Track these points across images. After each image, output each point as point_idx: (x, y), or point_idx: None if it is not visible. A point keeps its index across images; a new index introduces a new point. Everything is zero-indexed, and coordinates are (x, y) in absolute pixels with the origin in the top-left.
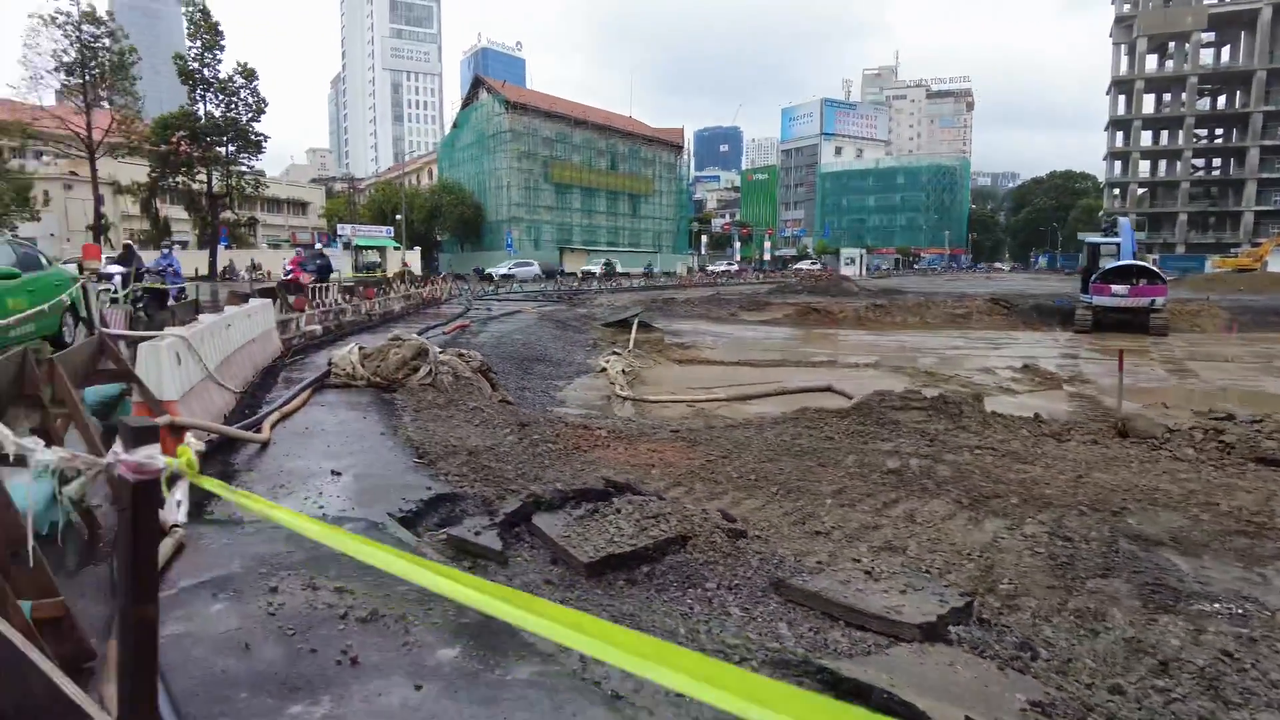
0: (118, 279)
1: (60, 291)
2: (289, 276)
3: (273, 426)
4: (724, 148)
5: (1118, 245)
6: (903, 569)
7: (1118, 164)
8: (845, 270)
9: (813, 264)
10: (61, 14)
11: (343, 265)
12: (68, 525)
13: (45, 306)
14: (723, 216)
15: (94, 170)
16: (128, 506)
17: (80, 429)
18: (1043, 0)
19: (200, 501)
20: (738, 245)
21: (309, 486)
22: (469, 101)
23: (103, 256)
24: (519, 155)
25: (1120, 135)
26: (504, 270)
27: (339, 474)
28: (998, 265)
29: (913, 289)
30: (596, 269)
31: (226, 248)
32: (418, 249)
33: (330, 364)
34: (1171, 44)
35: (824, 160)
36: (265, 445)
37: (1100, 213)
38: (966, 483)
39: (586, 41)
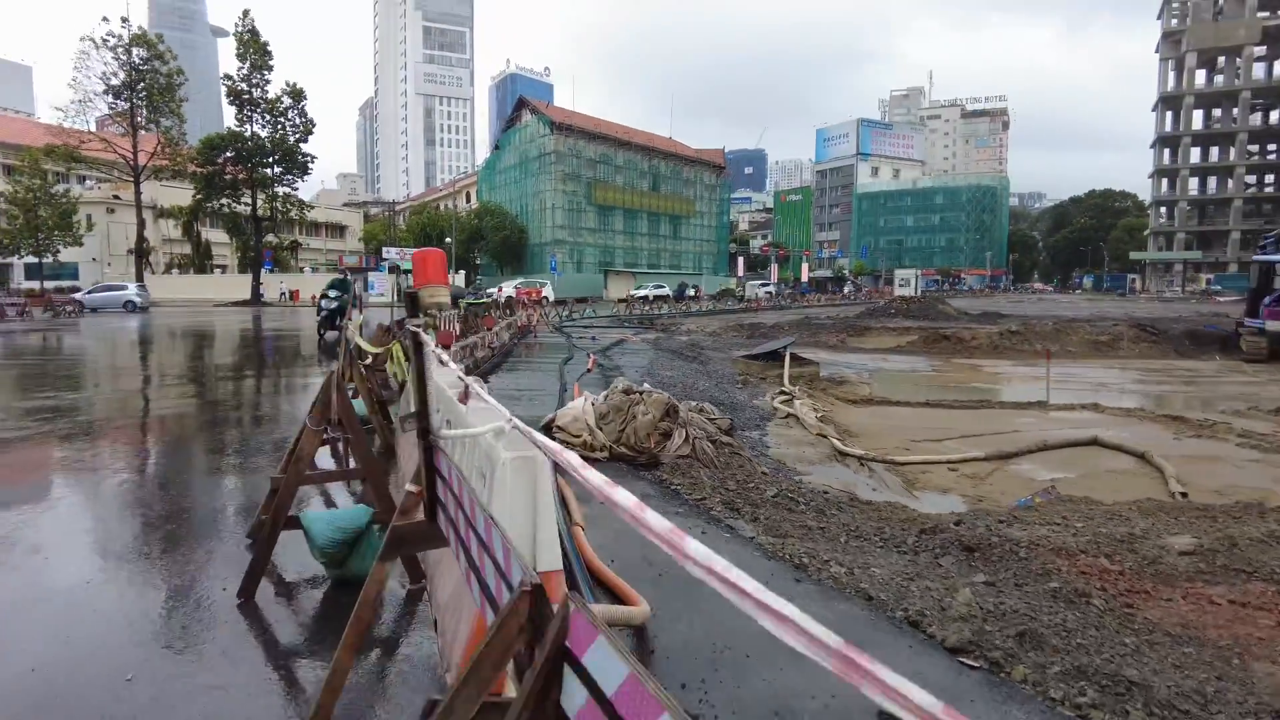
0: None
1: None
2: None
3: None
4: (749, 170)
5: None
6: None
7: (1164, 181)
8: (900, 292)
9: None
10: (113, 36)
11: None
12: None
13: None
14: (754, 238)
15: (138, 193)
16: None
17: None
18: (1046, 28)
19: None
20: (775, 267)
21: None
22: (511, 123)
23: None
24: (563, 177)
25: (1168, 152)
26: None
27: None
28: (1038, 286)
29: (1008, 311)
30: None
31: (270, 271)
32: (461, 273)
33: (554, 425)
34: (1221, 59)
35: (860, 181)
36: (643, 626)
37: (1146, 231)
38: None
39: (605, 71)
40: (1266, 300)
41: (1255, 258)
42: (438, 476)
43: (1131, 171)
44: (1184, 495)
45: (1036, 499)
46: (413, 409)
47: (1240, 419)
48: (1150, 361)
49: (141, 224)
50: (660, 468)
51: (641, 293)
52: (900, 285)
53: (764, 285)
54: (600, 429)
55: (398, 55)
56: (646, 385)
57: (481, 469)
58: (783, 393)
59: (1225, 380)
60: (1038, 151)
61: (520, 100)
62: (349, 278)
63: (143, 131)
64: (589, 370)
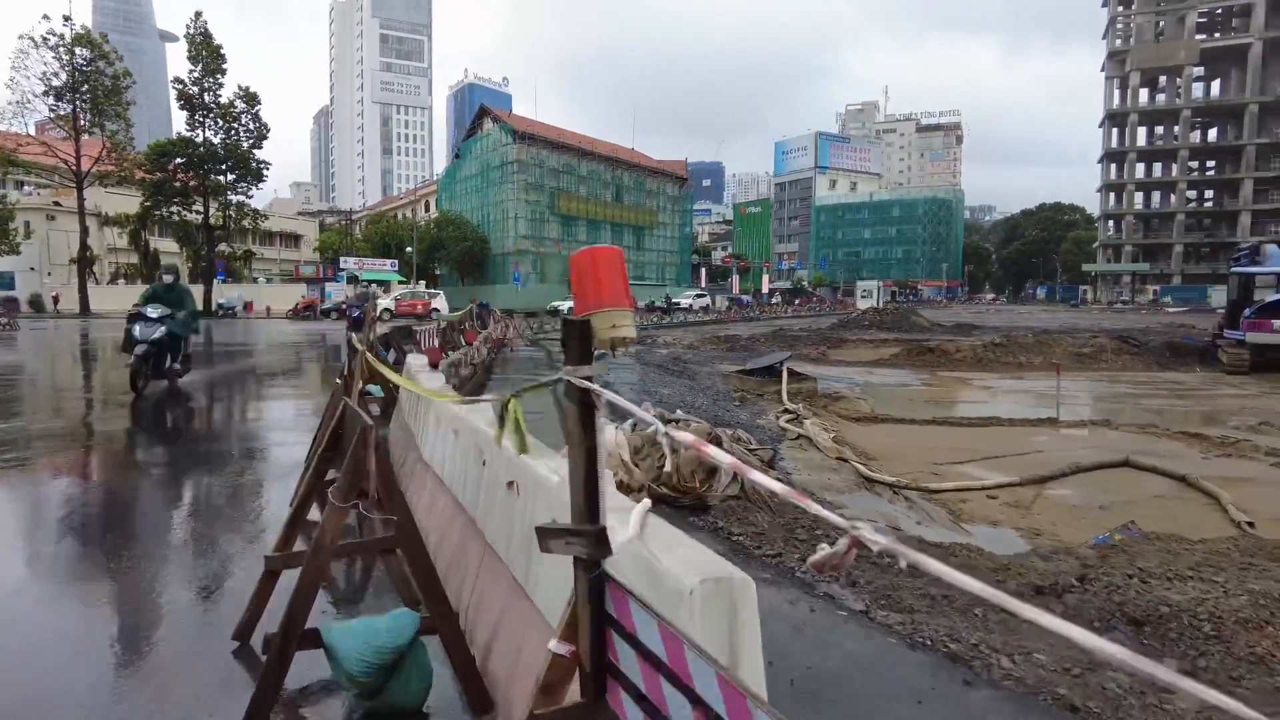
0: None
1: None
2: None
3: None
4: (706, 182)
5: (1277, 276)
6: None
7: (1112, 196)
8: (861, 303)
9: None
10: (54, 35)
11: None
12: None
13: None
14: (714, 249)
15: (81, 200)
16: None
17: None
18: (987, 48)
19: None
20: (736, 279)
21: None
22: (472, 132)
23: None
24: (526, 186)
25: (1114, 167)
26: None
27: None
28: (989, 297)
29: (977, 322)
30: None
31: (223, 282)
32: (422, 283)
33: None
34: (1163, 78)
35: (818, 193)
36: None
37: (1095, 244)
38: None
39: (560, 84)
40: (1246, 312)
41: (1233, 270)
42: (611, 627)
43: (1075, 186)
44: (1250, 525)
45: (1117, 536)
46: (563, 519)
47: (1257, 435)
48: (1135, 374)
49: (85, 232)
50: (709, 511)
51: (563, 305)
52: (862, 296)
53: (698, 295)
54: (636, 465)
55: (354, 63)
56: (680, 412)
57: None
58: (786, 411)
59: (1217, 393)
60: (985, 165)
61: (482, 108)
62: (179, 280)
63: (86, 135)
64: None
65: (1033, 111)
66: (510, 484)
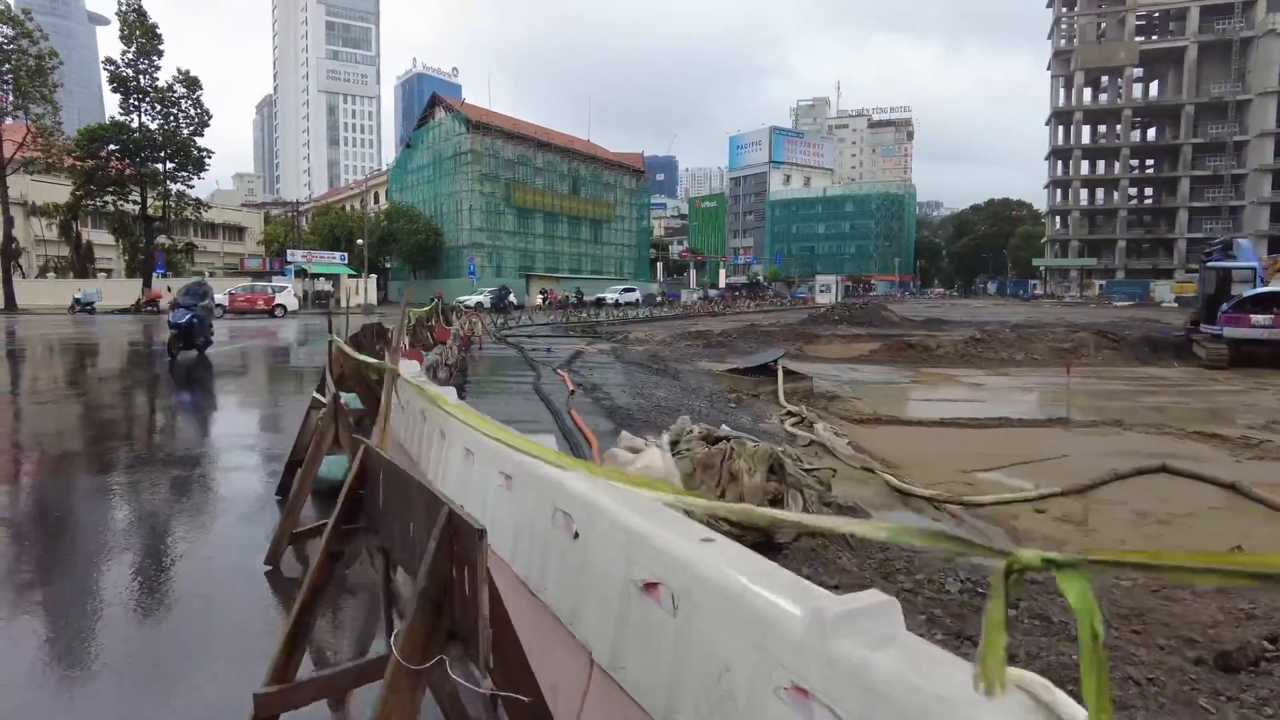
0: None
1: None
2: None
3: None
4: (660, 176)
5: (1253, 271)
6: None
7: (1058, 192)
8: (821, 298)
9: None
10: None
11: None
12: None
13: None
14: (670, 243)
15: (4, 188)
16: None
17: None
18: (926, 49)
19: None
20: (693, 273)
21: None
22: (424, 121)
23: None
24: (480, 177)
25: (1060, 164)
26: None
27: None
28: (938, 291)
29: (940, 317)
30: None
31: (163, 276)
32: (373, 276)
33: None
34: (1105, 78)
35: (773, 188)
36: None
37: (1043, 239)
38: None
39: (505, 80)
40: (1224, 307)
41: (1210, 265)
42: None
43: (1019, 184)
44: None
45: None
46: None
47: (1276, 435)
48: (1118, 370)
49: (9, 222)
50: (781, 551)
51: (473, 299)
52: (821, 291)
53: (625, 290)
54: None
55: (299, 51)
56: (725, 427)
57: None
58: (790, 413)
59: (1209, 389)
60: (931, 163)
61: (434, 97)
62: None
63: (9, 119)
64: (571, 392)
65: (974, 111)
66: (651, 586)
